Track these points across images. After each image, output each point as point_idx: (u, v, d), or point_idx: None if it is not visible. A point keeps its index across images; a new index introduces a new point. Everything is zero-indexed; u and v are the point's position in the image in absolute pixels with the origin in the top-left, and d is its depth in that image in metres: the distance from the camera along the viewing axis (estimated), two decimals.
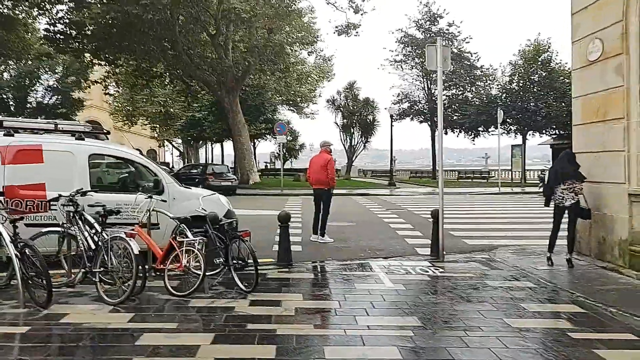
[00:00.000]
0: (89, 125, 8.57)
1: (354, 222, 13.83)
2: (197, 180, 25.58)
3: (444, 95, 42.31)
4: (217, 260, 6.58)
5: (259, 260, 6.52)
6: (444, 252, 8.65)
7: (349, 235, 11.62)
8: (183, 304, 5.84)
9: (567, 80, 32.19)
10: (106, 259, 5.85)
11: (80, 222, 6.31)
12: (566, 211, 7.91)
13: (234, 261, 6.49)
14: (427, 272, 7.68)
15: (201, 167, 28.89)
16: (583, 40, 8.43)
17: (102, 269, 5.90)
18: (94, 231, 6.23)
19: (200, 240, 6.23)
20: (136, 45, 27.42)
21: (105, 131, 8.50)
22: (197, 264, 6.12)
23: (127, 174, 9.31)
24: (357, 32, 30.46)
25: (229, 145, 45.24)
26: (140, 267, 5.71)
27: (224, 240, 6.60)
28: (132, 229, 6.34)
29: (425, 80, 42.40)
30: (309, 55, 35.27)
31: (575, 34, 8.69)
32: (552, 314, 5.67)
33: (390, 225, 13.14)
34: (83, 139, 7.82)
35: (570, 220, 7.94)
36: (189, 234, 6.53)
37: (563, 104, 31.02)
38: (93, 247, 6.08)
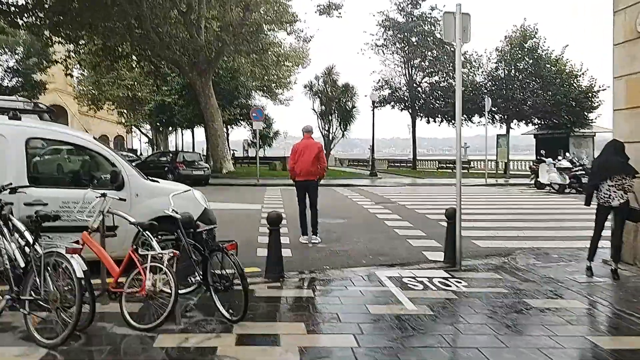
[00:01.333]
0: (29, 101, 6.84)
1: (345, 219, 12.37)
2: (166, 168, 23.76)
3: (425, 82, 41.15)
4: (193, 279, 5.08)
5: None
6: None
7: (341, 235, 10.19)
8: (146, 343, 4.30)
9: (554, 69, 31.33)
10: (39, 282, 4.26)
11: (5, 230, 4.67)
12: (611, 212, 6.66)
13: (215, 280, 4.98)
14: (449, 286, 6.32)
15: (171, 155, 26.88)
16: (630, 8, 7.13)
17: (33, 296, 4.32)
18: (24, 242, 4.62)
19: (171, 254, 4.69)
20: (99, 21, 25.14)
21: (48, 109, 6.78)
22: (166, 285, 4.59)
23: (80, 164, 7.65)
24: (339, 13, 28.82)
25: (200, 132, 43.11)
26: (86, 294, 4.15)
27: (201, 252, 5.10)
28: (78, 241, 4.71)
29: (406, 66, 41.06)
30: (288, 35, 33.40)
31: (618, 2, 7.38)
32: (632, 354, 4.36)
33: (386, 223, 11.73)
34: (19, 119, 6.15)
35: (617, 223, 6.67)
36: (155, 244, 4.98)
37: (549, 92, 30.11)
38: (22, 264, 4.47)
